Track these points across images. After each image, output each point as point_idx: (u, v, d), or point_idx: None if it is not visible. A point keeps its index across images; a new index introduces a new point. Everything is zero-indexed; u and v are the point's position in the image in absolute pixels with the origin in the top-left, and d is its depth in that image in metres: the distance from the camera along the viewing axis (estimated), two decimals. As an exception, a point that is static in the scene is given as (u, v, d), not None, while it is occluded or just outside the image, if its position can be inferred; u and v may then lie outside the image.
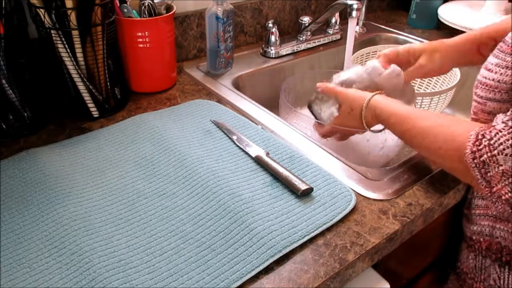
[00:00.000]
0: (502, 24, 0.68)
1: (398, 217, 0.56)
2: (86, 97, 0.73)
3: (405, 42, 1.16)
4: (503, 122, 0.47)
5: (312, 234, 0.52)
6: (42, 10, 0.64)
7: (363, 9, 1.19)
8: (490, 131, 0.47)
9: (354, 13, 0.84)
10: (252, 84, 0.96)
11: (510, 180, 0.45)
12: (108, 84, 0.74)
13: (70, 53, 0.68)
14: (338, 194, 0.58)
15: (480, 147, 0.47)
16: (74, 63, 0.69)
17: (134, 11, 0.77)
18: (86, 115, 0.74)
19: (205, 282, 0.46)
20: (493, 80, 0.55)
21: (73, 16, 0.66)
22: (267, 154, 0.65)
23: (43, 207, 0.55)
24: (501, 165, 0.45)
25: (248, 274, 0.47)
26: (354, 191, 0.60)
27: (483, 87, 0.57)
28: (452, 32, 1.15)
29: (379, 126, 0.67)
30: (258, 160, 0.64)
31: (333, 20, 1.12)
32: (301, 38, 1.07)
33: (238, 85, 0.91)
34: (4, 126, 0.68)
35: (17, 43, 0.66)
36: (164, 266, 0.48)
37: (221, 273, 0.47)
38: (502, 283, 0.63)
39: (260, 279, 0.47)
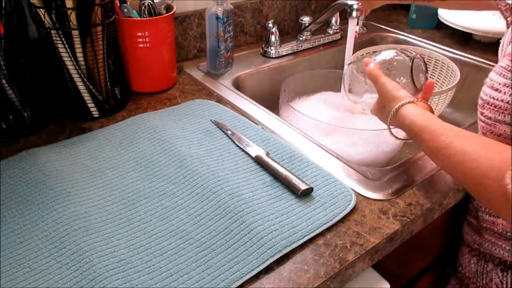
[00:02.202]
0: None
1: (398, 217, 0.56)
2: (86, 97, 0.73)
3: (405, 42, 1.16)
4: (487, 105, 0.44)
5: (312, 234, 0.52)
6: (42, 10, 0.64)
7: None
8: None
9: (354, 13, 0.84)
10: (252, 84, 0.96)
11: None
12: (108, 84, 0.74)
13: (70, 53, 0.68)
14: (338, 194, 0.58)
15: None
16: (74, 63, 0.69)
17: (134, 11, 0.77)
18: (86, 115, 0.74)
19: (205, 282, 0.46)
20: (502, 101, 0.52)
21: (73, 16, 0.66)
22: (267, 154, 0.65)
23: (43, 207, 0.55)
24: None
25: (248, 274, 0.47)
26: (354, 191, 0.60)
27: (491, 107, 0.54)
28: (452, 32, 1.16)
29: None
30: (258, 160, 0.64)
31: (333, 20, 1.12)
32: (301, 38, 1.07)
33: (238, 85, 0.91)
34: (4, 126, 0.68)
35: (17, 43, 0.66)
36: (164, 266, 0.48)
37: (221, 273, 0.47)
38: (504, 287, 0.63)
39: (260, 279, 0.47)
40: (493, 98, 0.54)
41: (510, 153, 0.45)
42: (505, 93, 0.52)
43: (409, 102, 0.58)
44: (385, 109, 0.61)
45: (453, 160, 0.49)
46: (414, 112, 0.57)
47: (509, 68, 0.52)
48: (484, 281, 0.66)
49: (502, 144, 0.48)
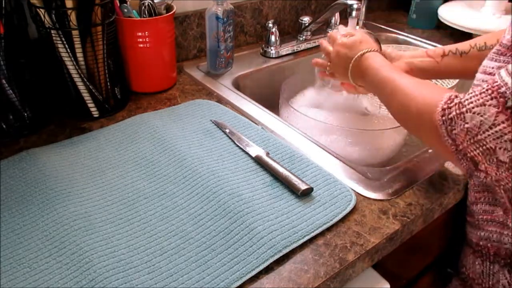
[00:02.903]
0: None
1: (398, 217, 0.56)
2: (86, 97, 0.73)
3: (405, 42, 1.16)
4: (476, 86, 0.47)
5: (312, 234, 0.52)
6: (42, 10, 0.64)
7: (363, 9, 1.18)
8: (464, 94, 0.48)
9: (354, 13, 0.84)
10: (252, 84, 0.96)
11: (475, 138, 0.46)
12: (108, 84, 0.74)
13: (70, 53, 0.68)
14: (338, 194, 0.58)
15: (451, 105, 0.48)
16: (74, 63, 0.69)
17: (134, 11, 0.77)
18: (86, 115, 0.74)
19: (205, 282, 0.46)
20: None
21: (73, 16, 0.66)
22: (267, 154, 0.65)
23: (43, 207, 0.55)
24: (467, 122, 0.46)
25: (248, 274, 0.47)
26: (354, 191, 0.60)
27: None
28: (452, 32, 1.16)
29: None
30: (258, 160, 0.64)
31: (333, 20, 1.11)
32: (301, 38, 1.07)
33: (238, 85, 0.91)
34: (4, 126, 0.68)
35: (17, 43, 0.66)
36: (164, 266, 0.48)
37: (221, 273, 0.47)
38: None
39: (260, 279, 0.47)
40: (485, 81, 0.55)
41: (441, 90, 0.52)
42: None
43: (372, 51, 0.67)
44: (345, 58, 0.69)
45: (394, 93, 0.57)
46: (379, 56, 0.66)
47: (500, 52, 0.55)
48: (490, 282, 0.66)
49: (434, 84, 0.57)
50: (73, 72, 0.70)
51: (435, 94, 0.51)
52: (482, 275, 0.67)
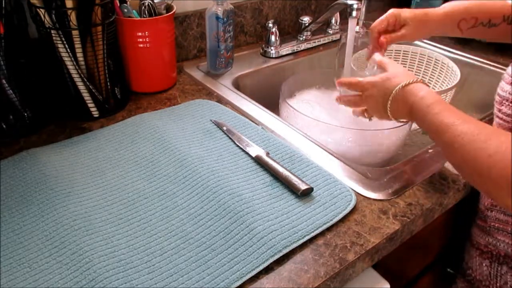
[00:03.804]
0: (487, 4, 0.67)
1: (398, 217, 0.56)
2: (86, 97, 0.73)
3: (405, 42, 1.16)
4: None
5: (312, 234, 0.52)
6: (42, 10, 0.64)
7: (363, 9, 1.18)
8: None
9: (354, 13, 0.84)
10: (252, 84, 0.96)
11: None
12: (108, 84, 0.74)
13: (70, 53, 0.68)
14: (338, 194, 0.58)
15: None
16: (74, 63, 0.69)
17: (134, 11, 0.77)
18: (86, 115, 0.74)
19: (205, 282, 0.46)
20: None
21: (73, 16, 0.66)
22: (267, 154, 0.65)
23: (43, 207, 0.55)
24: None
25: (248, 274, 0.47)
26: (354, 191, 0.60)
27: (510, 104, 0.52)
28: (452, 32, 1.15)
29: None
30: (258, 160, 0.64)
31: (333, 20, 1.12)
32: (301, 38, 1.07)
33: (238, 85, 0.91)
34: (4, 126, 0.68)
35: (17, 43, 0.66)
36: (164, 266, 0.48)
37: (221, 273, 0.47)
38: None
39: (260, 279, 0.47)
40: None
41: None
42: None
43: (417, 81, 0.57)
44: (387, 89, 0.59)
45: (462, 138, 0.47)
46: (425, 88, 0.55)
47: None
48: (498, 284, 0.65)
49: (502, 131, 0.47)
50: (73, 72, 0.70)
51: (507, 148, 0.43)
52: (490, 276, 0.66)
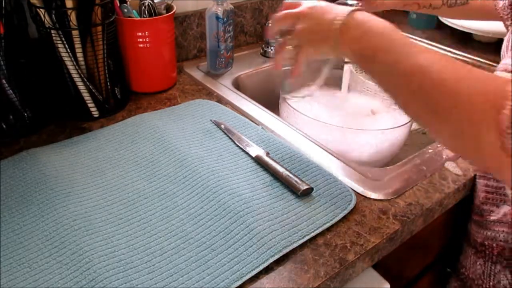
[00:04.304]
0: None
1: (398, 217, 0.56)
2: (86, 97, 0.73)
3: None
4: None
5: (312, 234, 0.52)
6: (42, 10, 0.64)
7: (363, 9, 1.18)
8: None
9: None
10: (252, 84, 0.96)
11: None
12: (108, 84, 0.74)
13: (70, 53, 0.68)
14: (338, 194, 0.58)
15: None
16: (74, 63, 0.69)
17: (134, 11, 0.77)
18: (86, 115, 0.74)
19: (205, 282, 0.46)
20: None
21: (73, 16, 0.66)
22: (267, 154, 0.65)
23: (43, 207, 0.55)
24: None
25: (248, 274, 0.47)
26: (354, 191, 0.60)
27: None
28: (452, 32, 1.16)
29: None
30: (258, 160, 0.64)
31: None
32: (301, 38, 1.06)
33: (238, 85, 0.91)
34: (4, 126, 0.68)
35: (17, 43, 0.66)
36: (164, 266, 0.48)
37: (221, 273, 0.47)
38: None
39: (260, 279, 0.47)
40: None
41: (504, 81, 0.38)
42: None
43: (357, 10, 0.49)
44: (323, 25, 0.51)
45: (432, 78, 0.40)
46: (370, 17, 0.48)
47: None
48: (491, 283, 0.65)
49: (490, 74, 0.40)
50: (73, 72, 0.70)
51: (495, 82, 0.38)
52: (483, 275, 0.67)
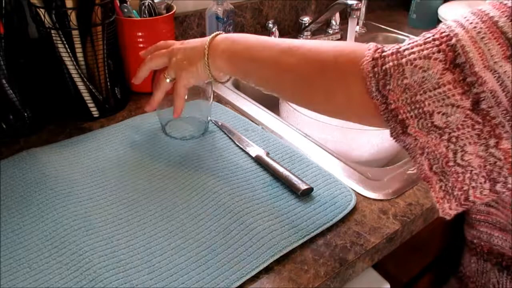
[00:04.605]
0: None
1: (398, 217, 0.56)
2: (86, 97, 0.73)
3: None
4: (420, 36, 0.40)
5: (312, 234, 0.52)
6: (42, 10, 0.64)
7: (363, 9, 1.19)
8: (402, 43, 0.40)
9: (354, 13, 0.84)
10: (252, 84, 0.96)
11: (412, 99, 0.38)
12: (108, 84, 0.74)
13: (70, 53, 0.68)
14: (338, 194, 0.58)
15: (385, 53, 0.39)
16: (74, 63, 0.69)
17: (134, 11, 0.77)
18: (86, 115, 0.74)
19: (205, 282, 0.46)
20: None
21: (73, 16, 0.66)
22: (267, 154, 0.65)
23: (43, 207, 0.55)
24: (406, 77, 0.38)
25: (248, 274, 0.47)
26: (354, 191, 0.60)
27: None
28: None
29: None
30: (258, 160, 0.64)
31: (333, 20, 1.12)
32: (301, 38, 1.06)
33: (238, 85, 0.91)
34: (4, 126, 0.68)
35: (17, 43, 0.66)
36: (164, 266, 0.48)
37: (221, 273, 0.47)
38: (501, 287, 0.63)
39: (260, 279, 0.47)
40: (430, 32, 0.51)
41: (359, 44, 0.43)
42: None
43: (218, 34, 0.56)
44: (196, 49, 0.56)
45: (298, 61, 0.46)
46: (232, 36, 0.54)
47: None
48: (483, 281, 0.66)
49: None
50: (73, 72, 0.70)
51: (356, 45, 0.43)
52: (477, 273, 0.67)
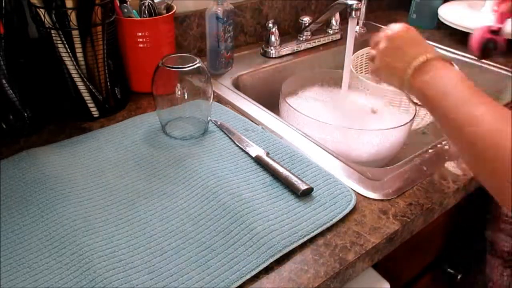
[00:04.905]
0: None
1: (398, 217, 0.56)
2: (86, 97, 0.73)
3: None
4: None
5: (312, 234, 0.52)
6: (42, 10, 0.64)
7: (363, 9, 1.18)
8: None
9: (354, 13, 0.84)
10: (252, 84, 0.96)
11: None
12: (108, 84, 0.74)
13: (70, 53, 0.68)
14: (338, 194, 0.58)
15: None
16: (74, 63, 0.69)
17: (134, 11, 0.77)
18: (86, 115, 0.74)
19: (205, 282, 0.46)
20: None
21: (73, 16, 0.66)
22: (267, 154, 0.65)
23: (43, 207, 0.55)
24: None
25: (248, 274, 0.47)
26: (354, 191, 0.60)
27: None
28: (452, 32, 1.16)
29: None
30: (258, 160, 0.64)
31: (333, 20, 1.11)
32: (301, 38, 1.06)
33: (238, 85, 0.91)
34: (4, 126, 0.68)
35: (17, 43, 0.66)
36: (164, 266, 0.48)
37: (221, 273, 0.47)
38: None
39: (260, 279, 0.47)
40: None
41: None
42: None
43: (433, 58, 0.52)
44: (399, 62, 0.55)
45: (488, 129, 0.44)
46: (446, 68, 0.51)
47: None
48: None
49: None
50: (73, 72, 0.70)
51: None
52: (509, 287, 0.65)
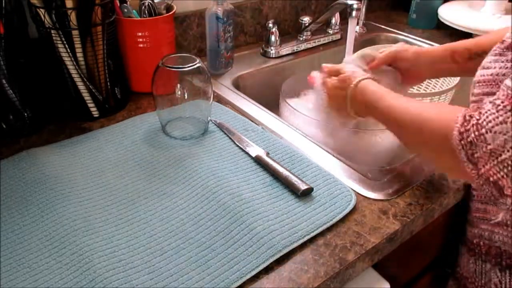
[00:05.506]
0: (482, 39, 0.67)
1: (398, 217, 0.56)
2: (86, 97, 0.73)
3: (405, 42, 1.16)
4: (490, 102, 0.44)
5: (312, 234, 0.52)
6: (42, 10, 0.64)
7: (363, 9, 1.18)
8: (479, 112, 0.44)
9: (354, 13, 0.84)
10: (252, 84, 0.96)
11: (498, 159, 0.42)
12: (108, 84, 0.74)
13: (70, 53, 0.68)
14: (338, 194, 0.58)
15: (468, 127, 0.44)
16: (74, 63, 0.69)
17: (134, 11, 0.77)
18: (86, 115, 0.74)
19: (205, 282, 0.46)
20: (491, 75, 0.53)
21: (73, 16, 0.66)
22: (267, 154, 0.65)
23: (43, 207, 0.55)
24: (489, 144, 0.42)
25: (248, 274, 0.47)
26: (354, 191, 0.60)
27: (480, 84, 0.55)
28: (452, 32, 1.16)
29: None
30: (258, 160, 0.64)
31: (333, 20, 1.11)
32: (301, 38, 1.06)
33: (238, 85, 0.91)
34: (4, 126, 0.68)
35: (17, 43, 0.66)
36: (164, 266, 0.48)
37: (221, 273, 0.47)
38: (503, 287, 0.63)
39: (260, 279, 0.47)
40: (482, 75, 0.55)
41: (452, 110, 0.49)
42: (494, 67, 0.53)
43: (366, 78, 0.65)
44: (341, 91, 0.67)
45: (403, 122, 0.55)
46: (373, 85, 0.64)
47: (500, 47, 0.53)
48: (482, 281, 0.66)
49: (443, 104, 0.54)
50: (73, 72, 0.70)
51: (448, 115, 0.48)
52: (475, 273, 0.67)
